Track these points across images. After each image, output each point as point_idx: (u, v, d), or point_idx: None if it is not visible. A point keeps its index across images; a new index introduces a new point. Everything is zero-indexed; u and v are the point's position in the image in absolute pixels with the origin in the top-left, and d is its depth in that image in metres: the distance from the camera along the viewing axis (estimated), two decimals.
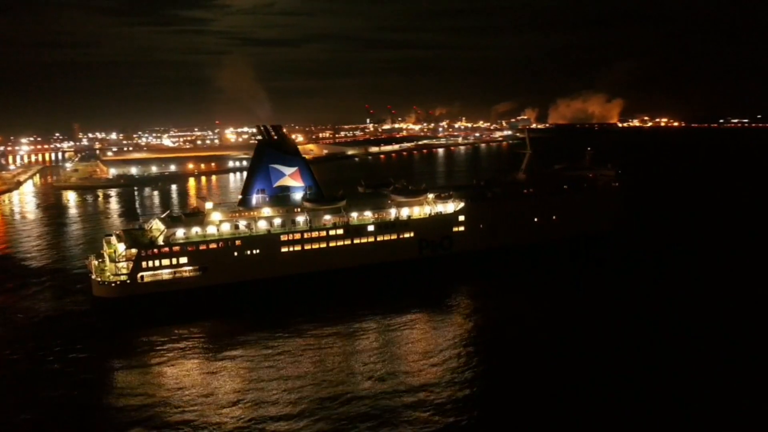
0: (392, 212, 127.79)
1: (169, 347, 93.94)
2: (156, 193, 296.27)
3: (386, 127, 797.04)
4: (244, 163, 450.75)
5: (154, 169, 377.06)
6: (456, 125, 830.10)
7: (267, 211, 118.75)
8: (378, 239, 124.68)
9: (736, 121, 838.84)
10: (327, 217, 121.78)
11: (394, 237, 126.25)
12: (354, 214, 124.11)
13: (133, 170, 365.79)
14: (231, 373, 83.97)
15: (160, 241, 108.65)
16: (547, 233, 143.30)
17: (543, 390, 77.65)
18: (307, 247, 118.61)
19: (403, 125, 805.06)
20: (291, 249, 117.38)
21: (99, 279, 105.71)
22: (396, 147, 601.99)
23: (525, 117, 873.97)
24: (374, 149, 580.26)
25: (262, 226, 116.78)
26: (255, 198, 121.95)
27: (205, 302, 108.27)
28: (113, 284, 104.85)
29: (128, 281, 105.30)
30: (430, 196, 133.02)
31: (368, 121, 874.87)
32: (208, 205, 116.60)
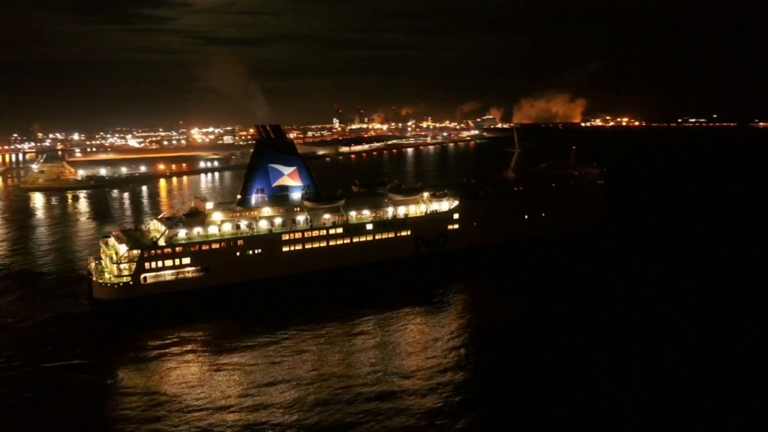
0: (389, 211, 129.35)
1: (172, 349, 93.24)
2: (126, 195, 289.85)
3: (355, 126, 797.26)
4: (216, 163, 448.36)
5: (124, 170, 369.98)
6: (422, 125, 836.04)
7: (267, 210, 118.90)
8: (376, 237, 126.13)
9: (693, 120, 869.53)
10: (326, 216, 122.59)
11: (391, 235, 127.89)
12: (352, 213, 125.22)
13: (103, 171, 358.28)
14: (235, 375, 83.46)
15: (162, 241, 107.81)
16: (537, 230, 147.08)
17: (538, 385, 79.28)
18: (308, 246, 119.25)
19: (370, 125, 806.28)
20: (292, 248, 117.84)
21: (101, 281, 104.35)
22: (366, 147, 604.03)
23: (490, 117, 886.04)
24: (345, 149, 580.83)
25: (263, 225, 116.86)
26: (254, 198, 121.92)
27: (207, 303, 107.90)
28: (116, 286, 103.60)
29: (131, 282, 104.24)
30: (425, 194, 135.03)
31: (335, 121, 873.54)
32: (209, 205, 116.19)
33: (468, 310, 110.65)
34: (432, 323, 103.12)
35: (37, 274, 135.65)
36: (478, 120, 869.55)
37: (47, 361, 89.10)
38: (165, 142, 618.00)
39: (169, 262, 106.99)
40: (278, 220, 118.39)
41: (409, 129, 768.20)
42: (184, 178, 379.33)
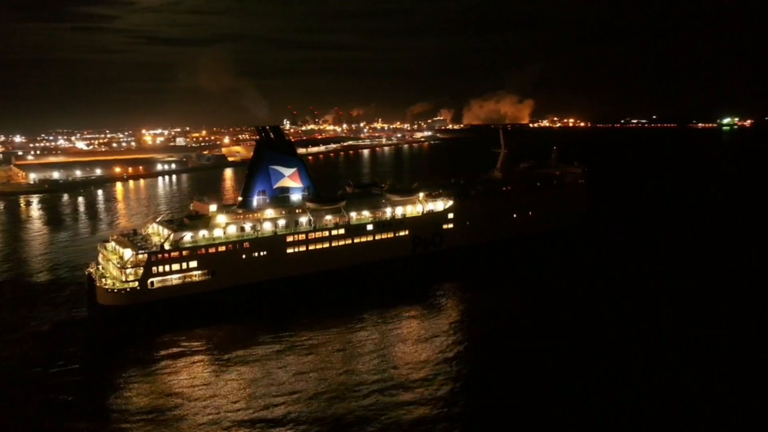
0: (387, 211, 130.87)
1: (180, 355, 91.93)
2: (81, 199, 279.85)
3: (307, 128, 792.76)
4: (173, 166, 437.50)
5: (78, 173, 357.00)
6: (373, 125, 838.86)
7: (270, 212, 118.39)
8: (376, 238, 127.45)
9: (635, 121, 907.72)
10: (328, 217, 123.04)
11: (390, 235, 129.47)
12: (353, 214, 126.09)
13: (56, 175, 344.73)
14: (243, 380, 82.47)
15: (168, 245, 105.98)
16: (524, 228, 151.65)
17: (534, 379, 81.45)
18: (311, 247, 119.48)
19: (323, 126, 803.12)
20: (296, 250, 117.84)
21: (106, 286, 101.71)
22: (322, 148, 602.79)
23: (441, 118, 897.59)
24: (302, 150, 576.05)
25: (267, 227, 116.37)
26: (256, 199, 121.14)
27: (214, 307, 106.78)
28: (123, 291, 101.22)
29: (138, 288, 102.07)
30: (421, 194, 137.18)
31: (286, 122, 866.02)
32: (212, 207, 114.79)
33: (467, 308, 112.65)
34: (433, 322, 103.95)
35: (23, 283, 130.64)
36: (430, 121, 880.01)
37: (53, 370, 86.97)
38: (114, 144, 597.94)
39: (176, 266, 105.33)
40: (282, 222, 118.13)
41: (365, 130, 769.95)
42: (141, 181, 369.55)
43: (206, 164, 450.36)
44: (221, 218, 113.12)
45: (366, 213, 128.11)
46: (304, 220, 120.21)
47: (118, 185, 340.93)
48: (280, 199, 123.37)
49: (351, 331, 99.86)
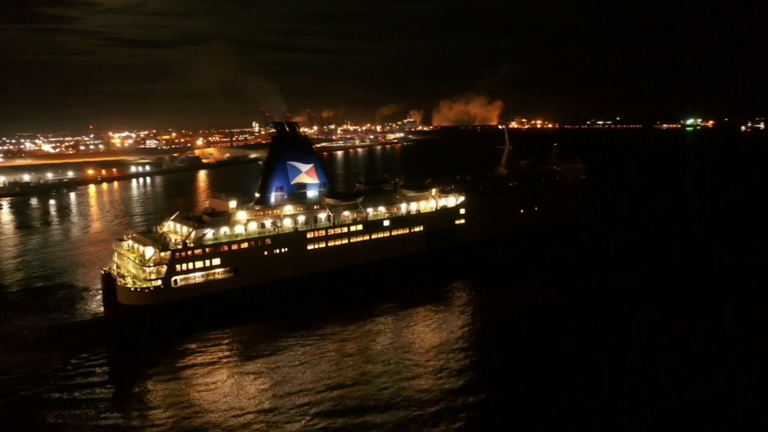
0: (402, 207, 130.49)
1: (204, 356, 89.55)
2: (53, 202, 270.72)
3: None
4: (147, 168, 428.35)
5: (49, 175, 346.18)
6: (344, 128, 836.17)
7: (289, 208, 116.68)
8: (393, 233, 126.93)
9: (601, 123, 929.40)
10: (346, 213, 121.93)
11: (406, 231, 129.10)
12: (369, 210, 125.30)
13: (26, 177, 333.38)
14: (266, 382, 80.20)
15: (190, 242, 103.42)
16: (530, 223, 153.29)
17: (545, 375, 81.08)
18: (331, 243, 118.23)
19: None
20: (316, 246, 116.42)
21: (128, 285, 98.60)
22: None
23: (411, 120, 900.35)
24: None
25: (287, 224, 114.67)
26: (274, 196, 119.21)
27: (237, 305, 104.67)
28: (146, 290, 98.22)
29: (162, 286, 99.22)
30: (434, 190, 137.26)
31: (254, 124, 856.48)
32: (232, 203, 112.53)
33: (481, 305, 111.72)
34: (451, 320, 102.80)
35: (29, 287, 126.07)
36: (400, 123, 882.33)
37: (79, 372, 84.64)
38: (81, 147, 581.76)
39: (199, 264, 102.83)
40: (301, 218, 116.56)
41: (338, 132, 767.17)
42: (115, 183, 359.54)
43: (180, 166, 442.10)
44: (242, 215, 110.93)
45: (382, 209, 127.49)
46: (323, 216, 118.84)
47: (92, 187, 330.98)
48: (297, 195, 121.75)
49: (372, 331, 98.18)
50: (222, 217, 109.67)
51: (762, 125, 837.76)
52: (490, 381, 78.99)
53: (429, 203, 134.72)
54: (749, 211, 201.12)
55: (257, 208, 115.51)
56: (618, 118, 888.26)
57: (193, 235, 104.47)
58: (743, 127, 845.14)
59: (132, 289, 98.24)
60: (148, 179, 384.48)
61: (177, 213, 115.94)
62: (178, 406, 74.33)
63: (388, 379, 79.48)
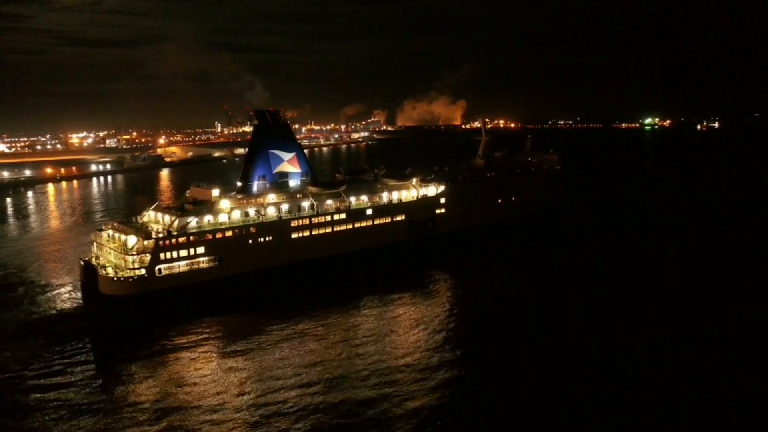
0: (384, 196, 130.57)
1: (188, 347, 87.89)
2: (9, 200, 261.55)
3: (240, 130, 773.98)
4: (108, 167, 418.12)
5: (5, 174, 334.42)
6: (308, 127, 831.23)
7: (272, 197, 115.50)
8: (375, 222, 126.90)
9: (562, 122, 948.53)
10: (329, 202, 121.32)
11: (388, 220, 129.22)
12: (352, 199, 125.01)
13: None
14: (250, 372, 78.95)
15: (174, 230, 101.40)
16: (508, 213, 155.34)
17: (527, 363, 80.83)
18: (315, 232, 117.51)
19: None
20: (300, 235, 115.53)
21: (110, 275, 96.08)
22: None
23: (375, 119, 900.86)
24: (240, 151, 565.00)
25: (270, 212, 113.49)
26: (257, 184, 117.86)
27: (222, 294, 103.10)
28: (129, 280, 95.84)
29: (146, 275, 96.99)
30: (414, 180, 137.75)
31: (217, 124, 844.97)
32: (215, 192, 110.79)
33: (463, 293, 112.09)
34: (432, 308, 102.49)
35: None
36: (364, 123, 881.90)
37: (60, 366, 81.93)
38: (39, 147, 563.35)
39: (183, 252, 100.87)
40: (285, 207, 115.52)
41: (302, 131, 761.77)
42: (75, 182, 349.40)
43: (142, 165, 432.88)
44: (225, 203, 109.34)
45: (364, 198, 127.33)
46: (306, 204, 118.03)
47: (50, 186, 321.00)
48: (280, 184, 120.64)
49: (354, 320, 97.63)
50: (205, 206, 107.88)
51: (717, 124, 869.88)
52: (472, 371, 78.59)
53: (410, 192, 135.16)
54: (708, 199, 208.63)
55: (240, 196, 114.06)
56: (578, 118, 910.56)
57: (176, 223, 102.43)
58: (699, 126, 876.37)
59: (115, 278, 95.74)
60: (110, 178, 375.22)
61: (157, 203, 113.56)
62: (162, 398, 72.49)
63: (370, 370, 78.41)
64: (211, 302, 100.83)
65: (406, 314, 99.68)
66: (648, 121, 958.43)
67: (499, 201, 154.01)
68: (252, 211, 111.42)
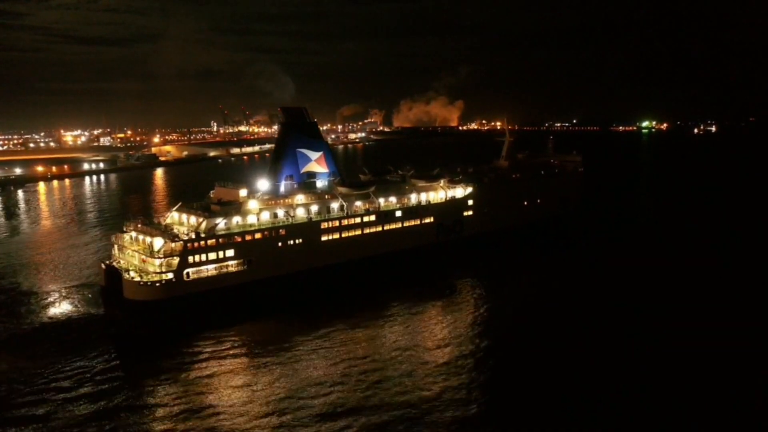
0: (413, 197, 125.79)
1: (215, 355, 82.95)
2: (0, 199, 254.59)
3: (236, 129, 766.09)
4: (101, 165, 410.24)
5: None
6: None
7: (301, 198, 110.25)
8: (404, 225, 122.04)
9: (559, 125, 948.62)
10: (358, 203, 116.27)
11: (417, 222, 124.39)
12: (381, 200, 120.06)
13: None
14: (279, 383, 74.34)
15: (203, 233, 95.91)
16: (532, 215, 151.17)
17: (558, 371, 77.40)
18: (344, 234, 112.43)
19: (256, 128, 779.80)
20: (330, 237, 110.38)
21: (137, 279, 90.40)
22: (257, 148, 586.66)
23: (372, 120, 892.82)
24: (236, 150, 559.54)
25: (300, 213, 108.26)
26: (284, 185, 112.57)
27: (251, 299, 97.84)
28: (157, 284, 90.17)
29: (173, 279, 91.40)
30: (442, 181, 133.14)
31: (213, 124, 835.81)
32: (243, 192, 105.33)
33: (495, 300, 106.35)
34: (464, 317, 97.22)
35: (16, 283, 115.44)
36: (361, 123, 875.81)
37: (82, 375, 76.86)
38: (32, 145, 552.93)
39: (212, 255, 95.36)
40: (314, 208, 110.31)
41: None
42: (66, 180, 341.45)
43: (136, 164, 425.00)
44: (253, 204, 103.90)
45: (393, 199, 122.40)
46: (335, 205, 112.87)
47: (41, 185, 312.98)
48: (307, 184, 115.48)
49: (384, 329, 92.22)
50: (233, 206, 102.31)
51: (713, 128, 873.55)
52: (500, 379, 74.93)
53: (438, 194, 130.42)
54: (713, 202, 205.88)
55: (267, 197, 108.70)
56: (575, 121, 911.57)
57: (204, 225, 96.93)
58: (696, 130, 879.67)
59: (141, 283, 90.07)
60: (102, 177, 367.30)
61: (180, 203, 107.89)
62: (188, 409, 68.00)
63: (399, 378, 74.44)
64: (240, 308, 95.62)
65: (436, 325, 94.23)
66: (645, 124, 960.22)
67: (525, 203, 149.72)
68: (281, 213, 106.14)
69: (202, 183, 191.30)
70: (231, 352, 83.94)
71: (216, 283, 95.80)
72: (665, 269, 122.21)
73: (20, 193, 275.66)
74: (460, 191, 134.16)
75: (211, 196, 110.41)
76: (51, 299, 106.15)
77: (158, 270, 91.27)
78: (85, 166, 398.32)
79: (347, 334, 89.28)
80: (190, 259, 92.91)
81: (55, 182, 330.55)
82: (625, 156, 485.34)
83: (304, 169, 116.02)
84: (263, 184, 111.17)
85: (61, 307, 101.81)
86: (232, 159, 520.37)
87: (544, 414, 66.84)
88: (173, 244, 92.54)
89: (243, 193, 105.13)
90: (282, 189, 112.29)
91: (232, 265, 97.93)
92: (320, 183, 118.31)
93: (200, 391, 72.39)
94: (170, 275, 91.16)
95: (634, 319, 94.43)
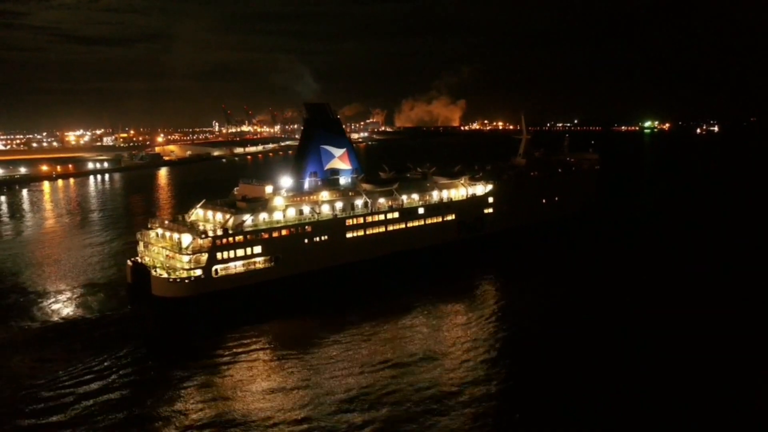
0: (434, 194, 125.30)
1: (243, 354, 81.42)
2: (2, 199, 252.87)
3: (238, 129, 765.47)
4: (105, 165, 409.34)
5: (0, 171, 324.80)
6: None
7: (325, 194, 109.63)
8: (427, 222, 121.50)
9: (560, 125, 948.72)
10: (381, 200, 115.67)
11: (439, 219, 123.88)
12: (404, 197, 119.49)
13: None
14: (307, 380, 73.32)
15: (230, 229, 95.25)
16: (551, 213, 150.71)
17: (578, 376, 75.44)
18: (369, 231, 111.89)
19: (258, 127, 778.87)
20: (355, 234, 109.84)
21: (165, 275, 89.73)
22: (260, 148, 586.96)
23: (374, 120, 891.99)
24: (239, 150, 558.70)
25: (325, 210, 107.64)
26: (308, 181, 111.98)
27: (278, 296, 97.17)
28: (186, 281, 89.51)
29: (202, 276, 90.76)
30: (462, 178, 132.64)
31: (215, 123, 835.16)
32: (269, 189, 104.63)
33: (519, 300, 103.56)
34: (488, 318, 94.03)
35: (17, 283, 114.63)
36: (363, 123, 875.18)
37: (110, 372, 75.82)
38: (35, 145, 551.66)
39: (240, 252, 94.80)
40: (339, 205, 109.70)
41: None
42: (71, 180, 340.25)
43: (140, 163, 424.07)
44: (279, 200, 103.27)
45: (415, 196, 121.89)
46: (359, 202, 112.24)
47: (46, 184, 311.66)
48: (331, 181, 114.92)
49: (409, 328, 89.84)
50: (259, 203, 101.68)
51: (716, 128, 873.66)
52: (525, 385, 72.86)
53: (459, 191, 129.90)
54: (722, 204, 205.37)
55: (292, 193, 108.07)
56: (576, 121, 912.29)
57: (231, 221, 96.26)
58: (698, 130, 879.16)
59: (170, 279, 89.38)
60: (107, 176, 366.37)
61: (204, 200, 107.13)
62: (214, 409, 66.67)
63: (422, 383, 72.15)
64: (267, 305, 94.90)
65: (459, 323, 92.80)
66: (647, 124, 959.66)
67: (543, 201, 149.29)
68: (307, 209, 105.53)
69: (209, 182, 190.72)
70: (258, 351, 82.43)
71: (243, 280, 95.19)
72: (684, 268, 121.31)
73: (25, 192, 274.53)
74: (480, 188, 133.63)
75: (235, 192, 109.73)
76: (74, 297, 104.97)
77: (186, 266, 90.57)
78: (90, 166, 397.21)
79: (372, 332, 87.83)
80: (219, 255, 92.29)
81: (60, 181, 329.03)
82: (632, 155, 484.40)
83: (327, 166, 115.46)
84: (287, 180, 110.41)
85: (85, 305, 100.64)
86: (236, 159, 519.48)
87: (563, 414, 65.29)
88: (201, 241, 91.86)
89: (269, 189, 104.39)
90: (306, 186, 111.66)
91: (259, 262, 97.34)
92: (343, 180, 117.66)
93: (227, 391, 71.05)
94: (199, 272, 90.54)
95: (652, 320, 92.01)
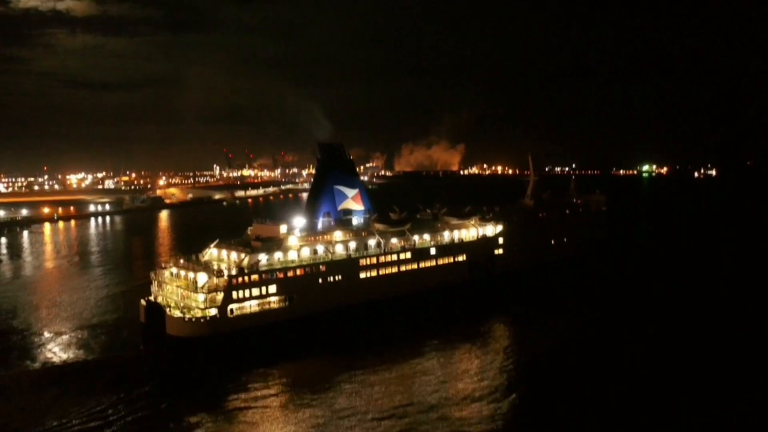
0: (446, 235, 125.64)
1: (258, 395, 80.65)
2: (3, 240, 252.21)
3: (238, 173, 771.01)
4: (107, 207, 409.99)
5: (1, 213, 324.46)
6: (308, 172, 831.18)
7: (339, 234, 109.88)
8: (438, 262, 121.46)
9: (558, 169, 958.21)
10: (394, 240, 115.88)
11: (450, 260, 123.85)
12: (416, 237, 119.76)
13: None
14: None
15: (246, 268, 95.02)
16: (559, 253, 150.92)
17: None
18: (382, 271, 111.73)
19: (258, 172, 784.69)
20: (368, 274, 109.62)
21: (181, 315, 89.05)
22: (261, 191, 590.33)
23: (374, 165, 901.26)
24: (240, 193, 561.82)
25: (339, 250, 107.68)
26: (322, 221, 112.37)
27: (293, 336, 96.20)
28: (202, 320, 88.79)
29: (218, 315, 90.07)
30: (473, 219, 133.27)
31: (216, 167, 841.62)
32: (283, 228, 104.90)
33: (532, 342, 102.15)
34: (501, 360, 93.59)
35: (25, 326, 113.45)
36: (364, 167, 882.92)
37: (126, 414, 74.33)
38: (36, 187, 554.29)
39: (255, 291, 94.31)
40: (352, 245, 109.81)
41: (304, 175, 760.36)
42: (72, 222, 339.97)
43: (142, 206, 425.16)
44: (293, 240, 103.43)
45: (427, 236, 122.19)
46: (372, 242, 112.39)
47: (47, 226, 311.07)
48: (344, 221, 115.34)
49: (421, 370, 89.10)
50: (273, 242, 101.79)
51: (713, 172, 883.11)
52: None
53: (470, 232, 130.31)
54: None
55: (306, 233, 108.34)
56: (573, 165, 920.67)
57: (246, 260, 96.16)
58: (696, 174, 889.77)
59: (186, 319, 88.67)
60: (108, 218, 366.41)
61: (217, 240, 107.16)
62: None
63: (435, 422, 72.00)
64: (282, 345, 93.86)
65: (472, 366, 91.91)
66: (645, 168, 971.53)
67: (552, 241, 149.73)
68: (321, 249, 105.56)
69: (210, 224, 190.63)
70: (271, 396, 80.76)
71: (258, 320, 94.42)
72: (696, 309, 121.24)
73: (25, 234, 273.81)
74: (490, 229, 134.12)
75: (249, 232, 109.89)
76: (84, 338, 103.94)
77: (202, 306, 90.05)
78: (91, 208, 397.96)
79: (385, 377, 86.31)
80: (234, 294, 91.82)
81: (61, 223, 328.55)
82: (633, 197, 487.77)
83: (341, 207, 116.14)
84: (300, 220, 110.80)
85: (96, 345, 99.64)
86: (237, 202, 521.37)
87: None
88: (217, 280, 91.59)
89: (283, 229, 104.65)
90: (320, 225, 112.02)
91: (274, 302, 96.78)
92: (355, 220, 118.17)
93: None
94: (214, 311, 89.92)
95: (665, 362, 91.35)
